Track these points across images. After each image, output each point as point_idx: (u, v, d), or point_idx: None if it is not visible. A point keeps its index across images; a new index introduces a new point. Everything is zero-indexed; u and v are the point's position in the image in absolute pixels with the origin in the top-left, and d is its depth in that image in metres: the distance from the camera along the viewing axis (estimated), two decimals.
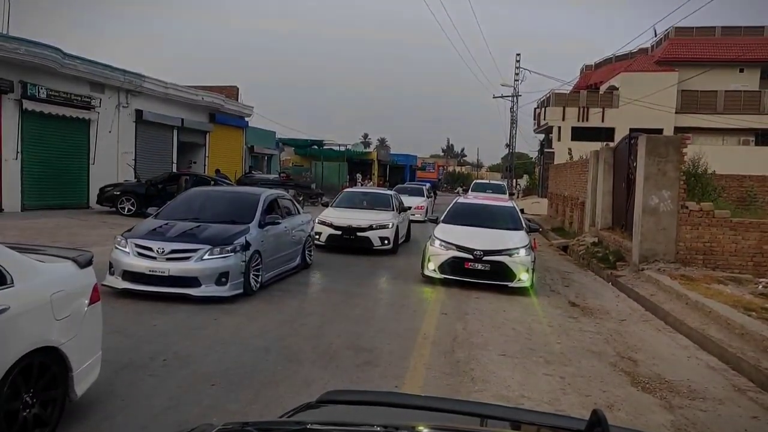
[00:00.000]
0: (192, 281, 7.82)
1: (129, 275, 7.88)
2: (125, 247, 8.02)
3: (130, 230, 8.59)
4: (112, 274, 8.02)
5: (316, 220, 13.38)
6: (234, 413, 4.48)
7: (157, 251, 7.85)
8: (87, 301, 4.15)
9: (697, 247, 11.92)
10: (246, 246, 8.24)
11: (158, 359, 5.58)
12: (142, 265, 7.82)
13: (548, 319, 8.31)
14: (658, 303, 9.35)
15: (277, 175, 30.65)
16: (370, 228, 13.33)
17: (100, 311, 4.36)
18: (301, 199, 22.07)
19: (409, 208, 17.43)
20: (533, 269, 10.12)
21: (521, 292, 9.82)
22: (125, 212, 18.02)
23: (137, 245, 7.98)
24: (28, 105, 17.57)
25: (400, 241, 14.52)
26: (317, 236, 13.06)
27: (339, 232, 13.40)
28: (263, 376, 5.34)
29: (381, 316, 8.09)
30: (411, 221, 16.87)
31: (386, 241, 13.39)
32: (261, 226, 8.94)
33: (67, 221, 16.16)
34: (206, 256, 7.86)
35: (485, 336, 7.17)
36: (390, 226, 13.50)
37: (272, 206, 9.86)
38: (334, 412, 1.96)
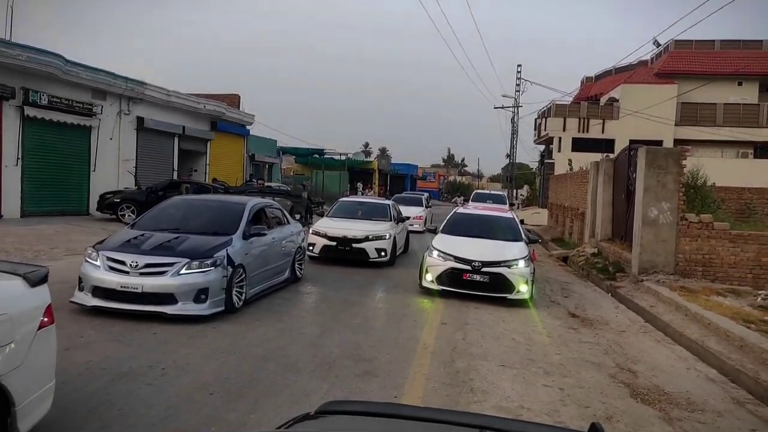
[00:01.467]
0: (167, 298, 7.15)
1: (100, 291, 7.21)
2: (96, 260, 7.36)
3: (102, 242, 7.94)
4: (81, 289, 7.38)
5: (310, 231, 13.05)
6: (233, 422, 4.47)
7: (131, 265, 7.19)
8: (36, 326, 3.59)
9: (696, 258, 11.93)
10: (228, 259, 7.60)
11: (157, 368, 5.57)
12: (114, 280, 7.16)
13: (548, 329, 8.30)
14: (658, 314, 9.35)
15: (275, 183, 29.91)
16: (366, 239, 12.80)
17: (53, 335, 3.85)
18: (299, 217, 20.94)
19: (408, 218, 16.99)
20: (533, 281, 9.99)
21: (521, 303, 9.76)
22: (125, 220, 18.02)
23: (109, 258, 7.32)
24: (30, 111, 17.61)
25: (398, 253, 14.07)
26: (311, 248, 12.69)
27: (333, 243, 12.82)
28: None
29: (378, 331, 7.96)
30: (409, 232, 16.43)
31: (383, 253, 12.84)
32: (246, 237, 8.32)
33: (67, 228, 16.16)
34: (184, 271, 7.23)
35: (485, 346, 7.16)
36: (387, 237, 12.96)
37: (259, 216, 9.31)
38: (333, 423, 1.95)
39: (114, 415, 4.48)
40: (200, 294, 7.28)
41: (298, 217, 20.46)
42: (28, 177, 17.97)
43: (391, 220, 13.90)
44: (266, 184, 28.85)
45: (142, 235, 7.93)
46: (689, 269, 11.85)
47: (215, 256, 7.52)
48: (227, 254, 7.64)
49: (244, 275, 8.07)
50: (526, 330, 8.19)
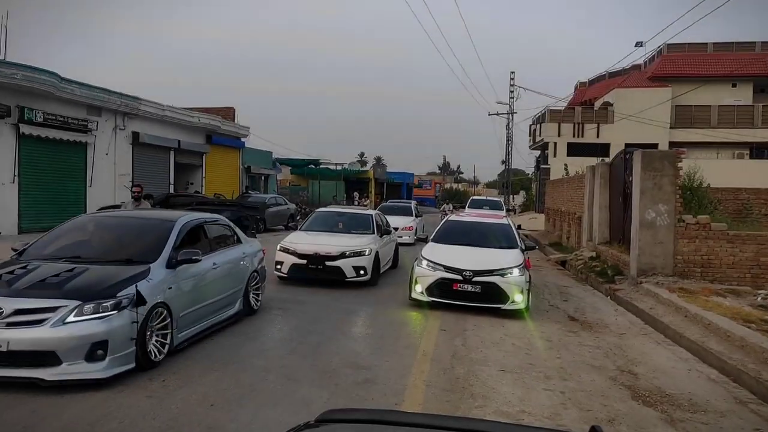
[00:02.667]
0: (47, 358, 5.17)
1: None
2: None
3: None
4: None
5: (278, 247, 11.51)
6: None
7: None
8: None
9: (694, 260, 11.93)
10: (139, 298, 5.63)
11: (157, 380, 5.54)
12: None
13: (547, 334, 8.28)
14: (657, 316, 9.34)
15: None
16: (342, 256, 11.06)
17: None
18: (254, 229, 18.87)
19: (396, 229, 15.77)
20: (528, 290, 9.50)
21: (517, 313, 9.30)
22: None
23: None
24: (26, 129, 17.63)
25: (384, 269, 12.60)
26: (278, 267, 11.29)
27: (303, 262, 11.07)
28: None
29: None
30: (399, 244, 14.93)
31: (362, 272, 11.15)
32: (172, 265, 6.40)
33: None
34: (71, 318, 5.26)
35: (484, 352, 7.14)
36: (367, 252, 11.29)
37: (196, 236, 7.41)
38: (333, 431, 1.93)
39: (114, 428, 4.44)
40: (96, 349, 5.29)
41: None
42: (25, 194, 17.97)
43: (373, 233, 12.33)
44: (218, 195, 26.37)
45: (24, 267, 5.98)
46: (688, 270, 11.86)
47: (119, 295, 5.53)
48: (137, 291, 5.63)
49: (168, 317, 6.12)
50: (526, 335, 8.17)
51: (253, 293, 8.63)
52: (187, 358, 6.29)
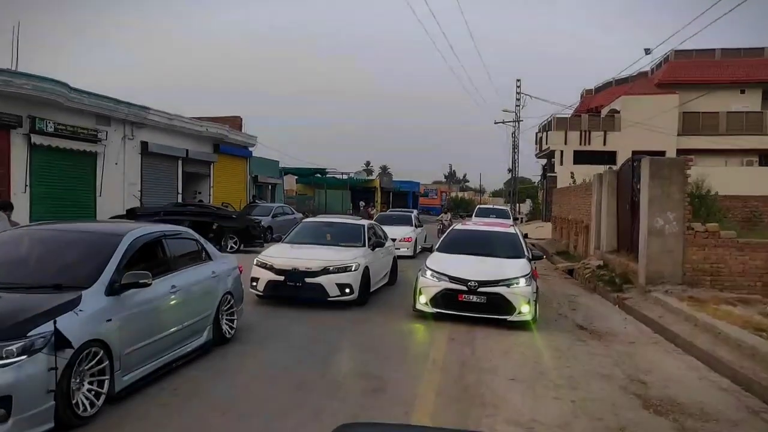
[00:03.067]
0: None
1: None
2: None
3: None
4: None
5: (254, 262, 10.36)
6: None
7: None
8: None
9: (704, 268, 11.88)
10: (60, 337, 4.37)
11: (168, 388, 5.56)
12: None
13: (556, 343, 8.26)
14: (667, 325, 9.30)
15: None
16: (324, 271, 9.83)
17: None
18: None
19: (394, 240, 14.63)
20: (536, 301, 9.25)
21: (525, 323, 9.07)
22: None
23: None
24: (37, 139, 17.84)
25: (377, 286, 11.50)
26: (253, 284, 10.08)
27: (281, 278, 9.87)
28: None
29: None
30: (398, 257, 13.75)
31: (347, 290, 9.90)
32: (114, 290, 5.21)
33: None
34: None
35: (494, 361, 7.14)
36: (353, 267, 10.02)
37: (151, 253, 6.18)
38: None
39: None
40: None
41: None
42: (37, 204, 18.16)
43: (364, 246, 11.11)
44: (201, 201, 26.11)
45: None
46: (697, 279, 11.80)
47: (32, 334, 4.29)
48: (55, 329, 4.36)
49: (106, 357, 4.93)
50: (535, 344, 8.16)
51: (227, 319, 7.43)
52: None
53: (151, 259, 6.08)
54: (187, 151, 26.05)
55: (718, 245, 11.93)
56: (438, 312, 9.23)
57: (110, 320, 5.03)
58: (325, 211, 39.05)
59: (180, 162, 25.93)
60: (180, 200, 24.50)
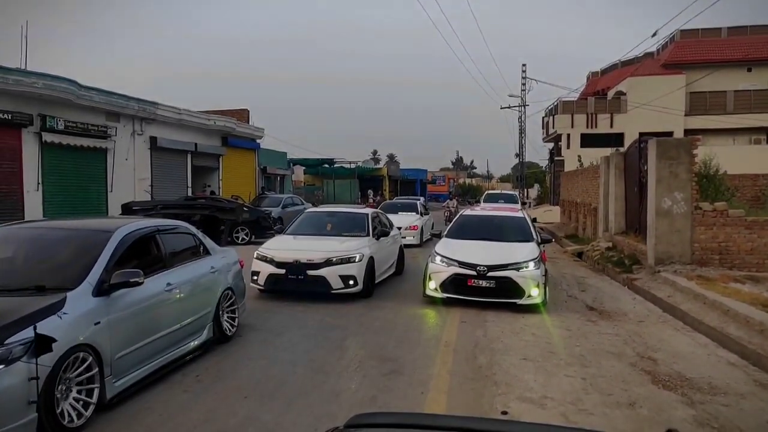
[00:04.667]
0: None
1: None
2: None
3: None
4: None
5: (254, 255, 10.08)
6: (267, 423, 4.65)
7: None
8: None
9: (712, 247, 11.96)
10: (42, 343, 4.08)
11: (191, 375, 5.77)
12: None
13: (567, 323, 8.41)
14: (676, 304, 9.42)
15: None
16: (327, 263, 9.53)
17: None
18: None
19: (399, 229, 14.22)
20: (545, 284, 9.40)
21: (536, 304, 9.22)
22: None
23: None
24: (47, 137, 18.05)
25: (384, 276, 11.23)
26: (254, 278, 9.78)
27: (282, 271, 9.59)
28: None
29: None
30: (404, 246, 13.44)
31: (351, 281, 9.59)
32: (102, 291, 4.94)
33: None
34: None
35: (505, 342, 7.30)
36: (357, 258, 9.71)
37: (144, 249, 5.92)
38: None
39: (156, 420, 4.68)
40: None
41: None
42: (49, 201, 18.41)
43: (368, 235, 10.80)
44: (213, 193, 25.79)
45: None
46: (706, 258, 11.89)
47: (9, 342, 4.02)
48: (35, 335, 4.06)
49: (95, 363, 4.64)
50: (546, 324, 8.32)
51: (227, 315, 7.18)
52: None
53: (144, 256, 5.85)
54: (195, 144, 26.25)
55: (727, 224, 12.01)
56: (448, 297, 9.35)
57: (99, 323, 4.75)
58: (333, 201, 39.24)
59: (189, 156, 26.14)
60: (190, 194, 24.72)
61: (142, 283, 5.22)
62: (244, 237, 18.50)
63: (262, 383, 5.62)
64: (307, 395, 5.31)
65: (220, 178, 29.23)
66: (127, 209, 17.00)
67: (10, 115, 16.70)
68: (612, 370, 6.24)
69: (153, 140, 23.49)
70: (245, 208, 19.44)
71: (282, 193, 32.48)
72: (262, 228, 18.66)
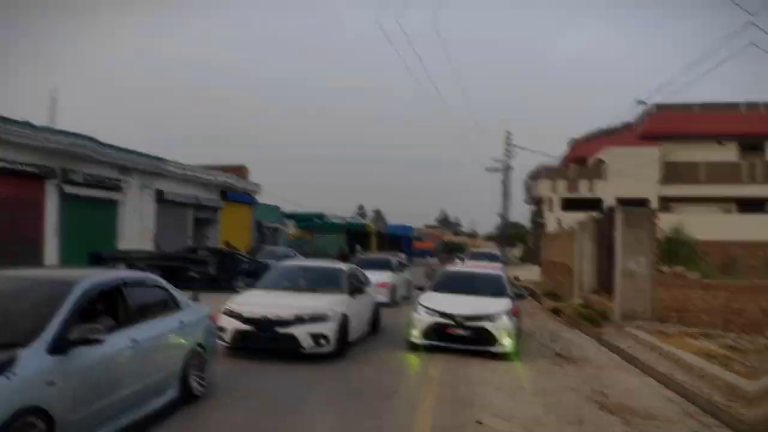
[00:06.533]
0: None
1: None
2: None
3: None
4: None
5: (222, 310, 9.43)
6: None
7: None
8: None
9: (672, 306, 13.39)
10: None
11: None
12: None
13: (537, 366, 9.76)
14: (634, 353, 10.77)
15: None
16: (298, 320, 9.00)
17: None
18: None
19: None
20: (516, 334, 10.45)
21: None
22: None
23: None
24: (68, 189, 19.40)
25: (358, 335, 10.69)
26: (221, 333, 8.94)
27: (250, 328, 9.06)
28: None
29: None
30: (379, 305, 12.92)
31: (323, 340, 9.07)
32: (59, 349, 4.60)
33: None
34: None
35: (483, 376, 8.67)
36: (329, 316, 9.23)
37: (108, 303, 5.63)
38: None
39: None
40: None
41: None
42: (67, 249, 19.54)
43: (343, 292, 10.39)
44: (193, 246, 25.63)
45: None
46: (666, 315, 13.30)
47: None
48: None
49: (47, 428, 4.32)
50: (518, 366, 9.68)
51: (195, 374, 6.69)
52: None
53: (107, 310, 5.53)
54: (197, 198, 27.78)
55: (685, 285, 13.52)
56: (429, 344, 10.33)
57: (53, 383, 4.39)
58: (322, 255, 40.37)
59: (191, 208, 27.61)
60: (190, 245, 25.98)
61: (103, 341, 4.94)
62: (243, 285, 19.60)
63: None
64: None
65: (219, 230, 30.58)
66: (96, 258, 16.22)
67: (37, 169, 18.13)
68: (569, 400, 7.60)
69: (159, 193, 24.93)
70: (245, 259, 20.62)
71: (276, 246, 33.78)
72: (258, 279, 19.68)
